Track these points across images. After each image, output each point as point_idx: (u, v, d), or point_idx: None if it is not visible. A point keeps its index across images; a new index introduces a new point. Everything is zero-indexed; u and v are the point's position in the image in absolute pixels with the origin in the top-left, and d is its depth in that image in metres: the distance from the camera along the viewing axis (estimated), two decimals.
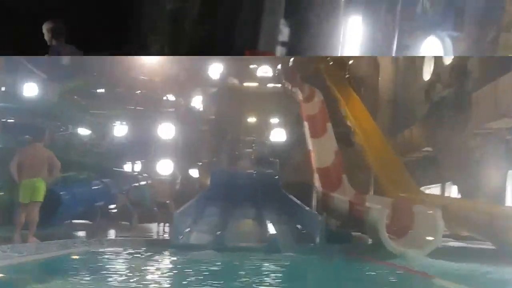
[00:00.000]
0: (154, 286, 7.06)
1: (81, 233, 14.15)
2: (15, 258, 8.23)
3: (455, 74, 19.08)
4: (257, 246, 11.75)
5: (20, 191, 10.01)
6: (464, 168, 17.37)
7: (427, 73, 22.50)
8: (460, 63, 18.98)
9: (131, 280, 7.20)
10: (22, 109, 19.50)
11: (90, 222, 18.09)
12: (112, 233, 15.04)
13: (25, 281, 6.75)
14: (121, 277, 7.48)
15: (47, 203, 10.51)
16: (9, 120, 18.49)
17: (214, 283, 6.98)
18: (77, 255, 9.71)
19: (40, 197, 10.07)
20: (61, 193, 14.21)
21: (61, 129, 18.97)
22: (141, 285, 6.88)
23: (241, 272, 8.42)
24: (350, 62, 27.49)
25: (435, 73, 21.59)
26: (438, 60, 21.29)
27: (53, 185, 11.09)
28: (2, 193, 13.43)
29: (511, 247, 10.57)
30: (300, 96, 22.85)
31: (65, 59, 30.55)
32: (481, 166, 17.04)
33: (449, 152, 18.18)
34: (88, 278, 7.09)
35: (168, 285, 7.37)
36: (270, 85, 31.53)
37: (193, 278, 7.52)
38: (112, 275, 7.49)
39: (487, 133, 17.08)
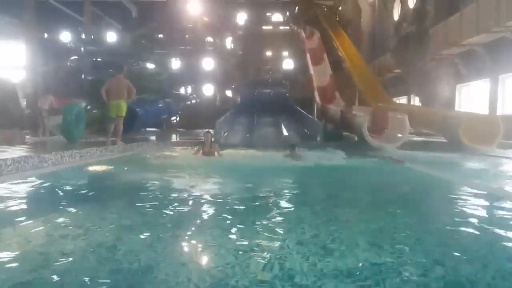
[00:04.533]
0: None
1: (152, 137, 14.20)
2: (108, 156, 8.35)
3: (417, 15, 18.69)
4: (274, 144, 11.17)
5: (110, 109, 9.97)
6: (424, 84, 17.11)
7: (396, 14, 22.07)
8: (420, 6, 18.61)
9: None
10: (106, 51, 19.49)
11: (158, 130, 18.45)
12: (174, 137, 14.93)
13: (117, 169, 6.85)
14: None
15: (128, 117, 10.45)
16: (98, 59, 18.48)
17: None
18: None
19: (123, 112, 10.01)
20: (137, 109, 14.29)
21: (134, 64, 18.81)
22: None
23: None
24: (340, 8, 27.15)
25: (402, 14, 21.32)
26: (404, 3, 21.01)
27: (131, 104, 10.93)
28: (96, 111, 13.53)
29: (458, 140, 10.38)
30: (303, 35, 22.02)
31: (135, 13, 30.11)
32: (437, 82, 16.86)
33: (413, 72, 17.78)
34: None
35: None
36: (281, 27, 30.91)
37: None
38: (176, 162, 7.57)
39: (441, 58, 16.97)
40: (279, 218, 3.40)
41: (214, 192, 4.66)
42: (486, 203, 4.22)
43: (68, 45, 21.44)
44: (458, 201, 4.29)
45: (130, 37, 23.13)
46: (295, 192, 4.95)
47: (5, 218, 3.26)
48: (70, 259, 2.38)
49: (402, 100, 21.18)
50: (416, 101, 19.50)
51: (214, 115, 14.14)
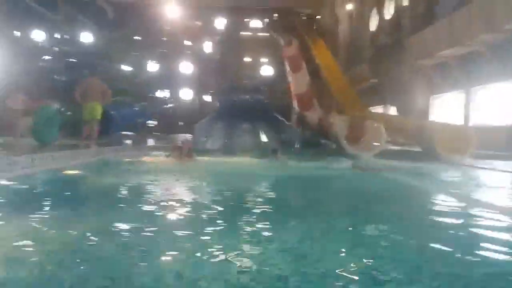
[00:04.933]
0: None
1: (128, 141, 13.94)
2: (82, 159, 8.06)
3: (393, 26, 19.19)
4: (253, 150, 11.23)
5: (84, 112, 9.75)
6: (400, 94, 17.40)
7: (373, 25, 22.43)
8: (396, 18, 19.05)
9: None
10: (82, 52, 19.17)
11: (134, 133, 18.16)
12: (150, 141, 14.70)
13: (90, 174, 6.70)
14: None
15: (102, 120, 10.23)
16: (73, 60, 18.12)
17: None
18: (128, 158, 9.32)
19: (98, 115, 9.84)
20: (112, 112, 14.02)
21: (110, 66, 18.50)
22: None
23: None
24: (317, 17, 27.49)
25: (379, 25, 21.66)
26: (380, 14, 21.35)
27: (106, 107, 10.69)
28: (70, 113, 13.22)
29: (433, 150, 10.54)
30: (282, 42, 22.13)
31: (111, 14, 29.55)
32: (412, 92, 17.16)
33: (389, 82, 18.11)
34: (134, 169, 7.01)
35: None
36: (260, 34, 30.72)
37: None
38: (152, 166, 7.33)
39: (416, 69, 17.12)
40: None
41: (188, 197, 4.56)
42: (458, 211, 4.25)
43: (42, 44, 20.92)
44: (431, 208, 4.36)
45: (106, 38, 22.75)
46: (270, 198, 4.89)
47: None
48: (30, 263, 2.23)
49: (378, 109, 21.47)
50: (392, 111, 19.76)
51: (192, 120, 13.98)
